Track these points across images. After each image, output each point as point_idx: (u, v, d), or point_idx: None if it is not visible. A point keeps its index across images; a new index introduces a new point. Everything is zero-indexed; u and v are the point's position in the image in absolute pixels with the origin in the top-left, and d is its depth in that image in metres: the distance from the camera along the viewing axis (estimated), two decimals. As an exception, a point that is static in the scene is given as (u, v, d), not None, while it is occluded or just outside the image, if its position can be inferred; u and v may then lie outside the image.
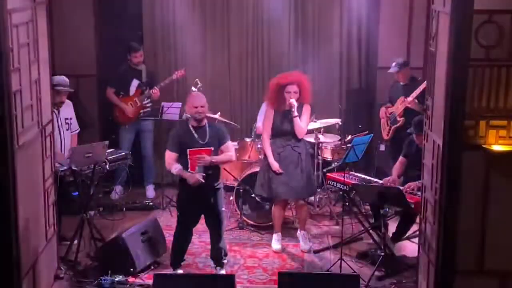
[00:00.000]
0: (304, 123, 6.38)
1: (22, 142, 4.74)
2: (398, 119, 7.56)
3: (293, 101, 6.25)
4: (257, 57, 8.66)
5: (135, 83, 7.97)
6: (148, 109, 8.06)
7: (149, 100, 8.02)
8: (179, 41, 8.58)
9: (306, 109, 6.40)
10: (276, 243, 6.64)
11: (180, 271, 5.92)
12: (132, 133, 8.06)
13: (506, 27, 4.42)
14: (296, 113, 6.27)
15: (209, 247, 6.14)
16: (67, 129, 6.75)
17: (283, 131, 6.38)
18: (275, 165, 6.33)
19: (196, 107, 5.70)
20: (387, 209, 6.03)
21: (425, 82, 6.60)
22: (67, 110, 6.78)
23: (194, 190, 5.69)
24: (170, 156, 5.71)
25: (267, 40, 8.63)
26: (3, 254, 4.58)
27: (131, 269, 5.86)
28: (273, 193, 6.43)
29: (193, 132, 5.73)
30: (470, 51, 4.45)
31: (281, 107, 6.36)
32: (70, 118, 6.82)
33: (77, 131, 6.95)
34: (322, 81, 8.57)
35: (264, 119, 6.50)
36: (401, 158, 6.65)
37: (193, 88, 7.47)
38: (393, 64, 7.59)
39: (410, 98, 7.29)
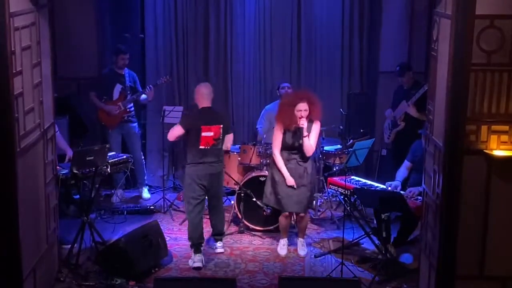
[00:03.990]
0: (312, 141, 6.38)
1: (23, 145, 4.75)
2: (399, 122, 7.56)
3: (304, 123, 6.24)
4: (258, 60, 8.66)
5: (118, 87, 7.97)
6: (132, 112, 8.09)
7: (132, 104, 8.05)
8: (181, 44, 8.59)
9: (316, 126, 6.41)
10: (282, 248, 6.64)
11: None
12: (118, 136, 8.06)
13: (508, 32, 4.43)
14: (306, 133, 6.28)
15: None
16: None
17: (291, 146, 6.38)
18: (290, 180, 6.31)
19: None
20: (388, 215, 6.03)
21: (425, 86, 6.62)
22: None
23: None
24: None
25: (269, 44, 8.63)
26: (4, 257, 4.58)
27: (132, 273, 5.85)
28: (279, 204, 6.45)
29: None
30: (471, 56, 4.46)
31: (291, 125, 6.35)
32: None
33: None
34: (324, 85, 8.58)
35: (273, 137, 6.50)
36: (406, 162, 6.62)
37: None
38: (397, 68, 7.59)
39: (410, 103, 7.29)
